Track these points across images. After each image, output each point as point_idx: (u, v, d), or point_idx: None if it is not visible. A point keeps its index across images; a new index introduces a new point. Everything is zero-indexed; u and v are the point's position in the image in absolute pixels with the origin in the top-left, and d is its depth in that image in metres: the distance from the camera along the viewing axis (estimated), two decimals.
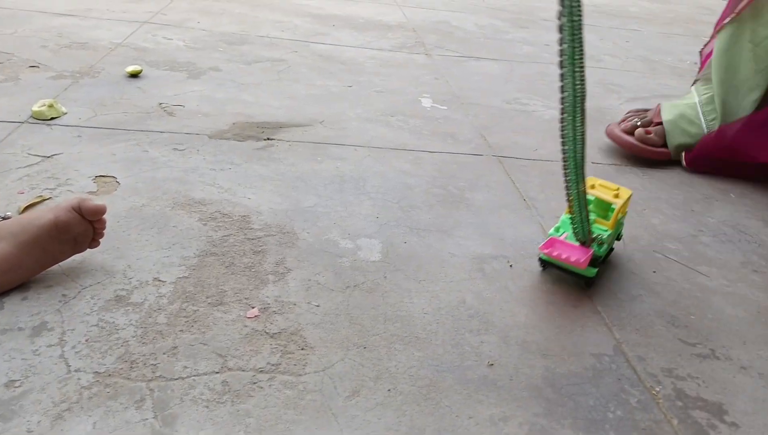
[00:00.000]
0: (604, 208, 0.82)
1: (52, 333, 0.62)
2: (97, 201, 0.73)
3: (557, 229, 0.80)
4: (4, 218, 0.69)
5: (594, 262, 0.76)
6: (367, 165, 1.07)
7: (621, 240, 0.89)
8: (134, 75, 1.34)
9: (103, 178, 0.93)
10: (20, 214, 0.79)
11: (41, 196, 0.85)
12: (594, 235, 0.76)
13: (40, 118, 1.09)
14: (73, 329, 0.62)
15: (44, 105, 1.10)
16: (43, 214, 0.68)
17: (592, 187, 0.81)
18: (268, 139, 1.12)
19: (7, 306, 0.65)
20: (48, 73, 1.31)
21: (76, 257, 0.73)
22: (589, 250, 0.75)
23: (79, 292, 0.68)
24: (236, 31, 1.78)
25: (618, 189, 0.81)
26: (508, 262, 0.83)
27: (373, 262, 0.80)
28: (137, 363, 0.59)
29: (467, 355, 0.66)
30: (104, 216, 0.71)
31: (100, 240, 0.73)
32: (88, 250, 0.73)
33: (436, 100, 1.43)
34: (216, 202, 0.89)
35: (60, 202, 0.71)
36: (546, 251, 0.75)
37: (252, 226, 0.85)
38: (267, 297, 0.71)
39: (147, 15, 1.82)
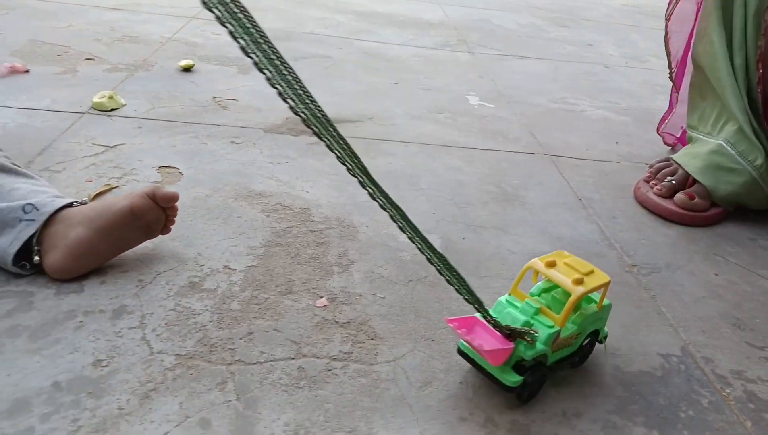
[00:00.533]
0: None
1: (132, 316, 0.63)
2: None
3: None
4: (81, 204, 0.71)
5: (520, 367, 0.57)
6: (418, 161, 1.08)
7: (603, 343, 0.65)
8: (187, 69, 1.36)
9: (166, 169, 0.95)
10: (91, 201, 0.81)
11: (109, 184, 0.88)
12: (522, 328, 0.55)
13: (100, 109, 1.11)
14: (152, 313, 0.64)
15: (104, 96, 1.13)
16: (119, 201, 0.70)
17: (552, 264, 0.60)
18: None
19: (87, 289, 0.67)
20: (103, 65, 1.34)
21: (148, 244, 0.75)
22: (510, 345, 0.55)
23: (155, 277, 0.70)
24: (282, 27, 1.80)
25: (591, 272, 0.60)
26: None
27: None
28: (216, 347, 0.61)
29: None
30: (176, 204, 0.73)
31: (171, 227, 0.75)
32: (159, 236, 0.75)
33: (483, 97, 1.43)
34: (276, 195, 0.91)
35: (134, 189, 0.73)
36: (453, 325, 0.55)
37: (313, 218, 0.86)
38: (333, 287, 0.72)
39: (194, 10, 1.85)
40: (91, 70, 1.30)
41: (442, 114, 1.31)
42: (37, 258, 0.67)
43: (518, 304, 0.59)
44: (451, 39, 1.93)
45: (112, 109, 1.12)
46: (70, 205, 0.70)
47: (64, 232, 0.68)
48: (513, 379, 0.56)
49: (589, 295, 0.61)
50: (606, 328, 0.65)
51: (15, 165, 0.75)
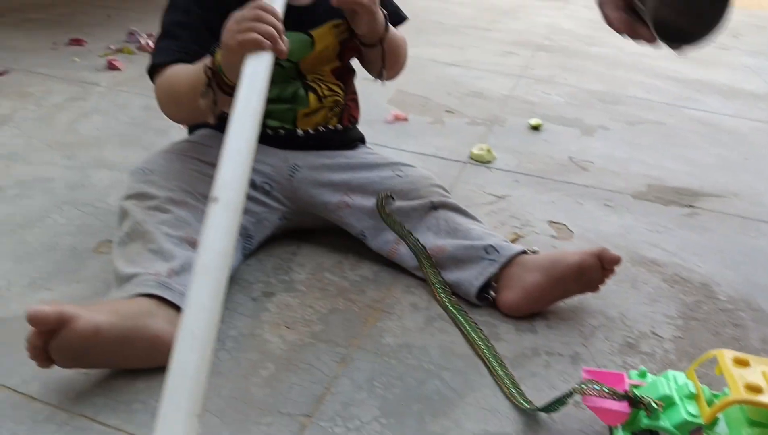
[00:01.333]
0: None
1: (587, 364, 0.70)
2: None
3: (641, 375, 0.61)
4: (533, 252, 0.81)
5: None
6: None
7: None
8: (535, 127, 1.47)
9: (556, 224, 1.03)
10: None
11: (515, 233, 0.99)
12: (642, 396, 0.55)
13: (478, 161, 1.26)
14: (605, 365, 0.71)
15: (482, 149, 1.28)
16: (570, 256, 0.78)
17: (743, 363, 0.54)
18: (690, 206, 1.14)
19: (539, 330, 0.76)
20: (462, 118, 1.51)
21: (574, 298, 0.82)
22: (626, 408, 0.56)
23: (593, 331, 0.77)
24: (605, 90, 1.85)
25: None
26: None
27: None
28: None
29: None
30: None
31: (601, 287, 0.81)
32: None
33: None
34: (670, 265, 0.93)
35: (583, 247, 0.82)
36: (584, 377, 0.59)
37: (717, 296, 0.86)
38: None
39: (518, 69, 1.99)
40: (454, 122, 1.48)
41: None
42: (493, 293, 0.79)
43: (678, 383, 0.57)
44: None
45: (488, 162, 1.26)
46: (524, 252, 0.81)
47: (520, 274, 0.78)
48: None
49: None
50: None
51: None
